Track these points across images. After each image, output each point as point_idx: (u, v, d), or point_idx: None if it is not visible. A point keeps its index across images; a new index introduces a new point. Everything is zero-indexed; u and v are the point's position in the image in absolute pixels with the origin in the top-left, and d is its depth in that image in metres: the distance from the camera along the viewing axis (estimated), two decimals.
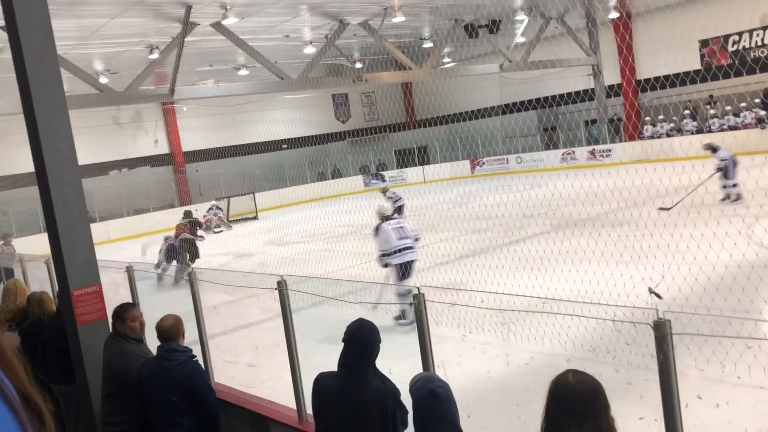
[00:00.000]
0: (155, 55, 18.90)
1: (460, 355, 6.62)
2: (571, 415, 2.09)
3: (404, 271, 8.23)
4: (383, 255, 8.42)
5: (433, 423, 2.40)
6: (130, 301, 5.56)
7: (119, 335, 4.40)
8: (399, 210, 14.08)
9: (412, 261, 8.30)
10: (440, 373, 3.27)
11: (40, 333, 5.41)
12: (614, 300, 6.19)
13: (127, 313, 4.43)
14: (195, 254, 14.88)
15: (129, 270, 6.15)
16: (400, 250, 8.24)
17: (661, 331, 2.39)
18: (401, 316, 7.92)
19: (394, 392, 3.03)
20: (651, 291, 5.56)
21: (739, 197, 14.15)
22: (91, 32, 16.90)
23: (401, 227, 8.47)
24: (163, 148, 30.93)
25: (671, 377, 2.41)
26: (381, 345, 3.15)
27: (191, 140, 30.87)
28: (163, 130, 31.07)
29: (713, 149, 14.69)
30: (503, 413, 4.98)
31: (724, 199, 14.27)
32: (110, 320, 4.60)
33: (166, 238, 14.88)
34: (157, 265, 13.83)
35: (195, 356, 4.18)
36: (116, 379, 4.29)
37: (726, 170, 14.22)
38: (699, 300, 7.27)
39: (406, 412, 3.02)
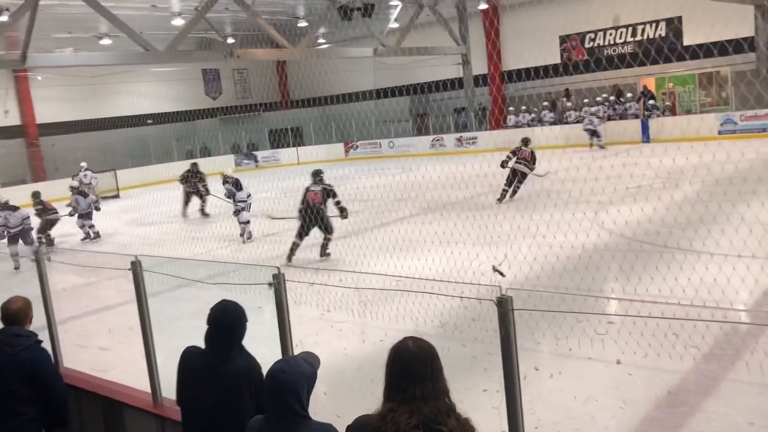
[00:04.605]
0: (5, 18, 17.41)
1: (318, 334, 6.73)
2: (414, 378, 2.22)
3: None
4: None
5: (277, 397, 2.41)
6: None
7: None
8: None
9: None
10: (298, 352, 3.28)
11: None
12: (467, 279, 6.50)
13: None
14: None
15: None
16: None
17: (503, 307, 2.52)
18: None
19: (258, 366, 3.06)
20: (495, 269, 5.88)
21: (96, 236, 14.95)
22: None
23: None
24: (14, 120, 28.51)
25: (512, 351, 2.56)
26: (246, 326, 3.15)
27: (47, 112, 28.67)
28: (14, 100, 28.60)
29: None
30: (358, 389, 5.09)
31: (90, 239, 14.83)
32: None
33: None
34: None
35: (41, 341, 3.94)
36: None
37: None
38: (548, 279, 7.86)
39: None
